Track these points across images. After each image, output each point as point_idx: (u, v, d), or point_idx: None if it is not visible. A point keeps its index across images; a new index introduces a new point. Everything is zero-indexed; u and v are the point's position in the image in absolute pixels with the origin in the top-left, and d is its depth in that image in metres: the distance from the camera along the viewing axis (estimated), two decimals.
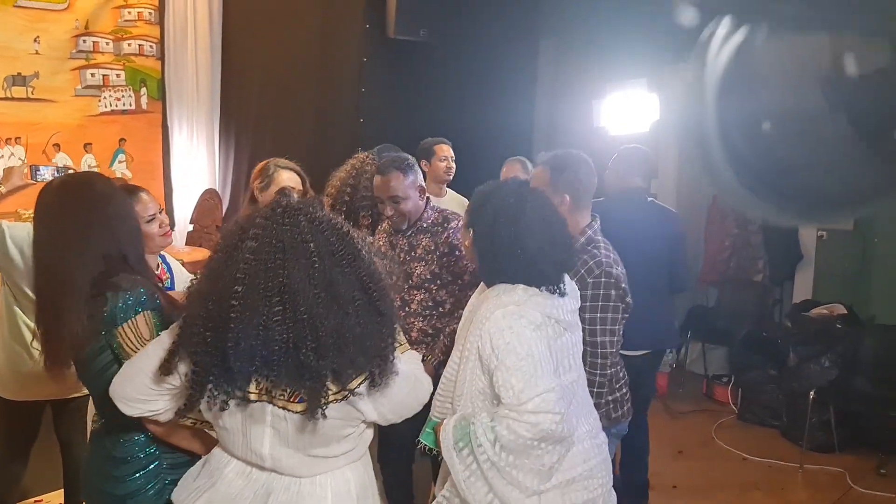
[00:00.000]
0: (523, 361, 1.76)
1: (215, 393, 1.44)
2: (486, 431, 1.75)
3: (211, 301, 1.43)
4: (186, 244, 6.09)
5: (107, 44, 5.98)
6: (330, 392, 1.45)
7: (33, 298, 1.79)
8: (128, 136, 6.15)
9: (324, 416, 1.44)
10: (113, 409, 1.57)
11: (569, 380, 1.93)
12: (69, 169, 5.44)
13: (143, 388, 1.55)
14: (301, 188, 2.76)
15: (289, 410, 1.48)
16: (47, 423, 2.88)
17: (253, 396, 1.47)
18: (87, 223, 1.73)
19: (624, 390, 2.45)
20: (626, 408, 2.45)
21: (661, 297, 3.29)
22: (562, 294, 1.93)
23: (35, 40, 5.61)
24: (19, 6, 5.50)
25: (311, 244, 1.43)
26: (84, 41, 5.88)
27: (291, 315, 1.39)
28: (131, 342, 1.69)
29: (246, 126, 6.12)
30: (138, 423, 1.67)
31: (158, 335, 1.62)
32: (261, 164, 2.87)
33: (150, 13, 6.14)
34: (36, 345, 2.49)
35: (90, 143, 5.96)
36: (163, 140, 6.31)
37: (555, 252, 1.91)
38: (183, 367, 1.49)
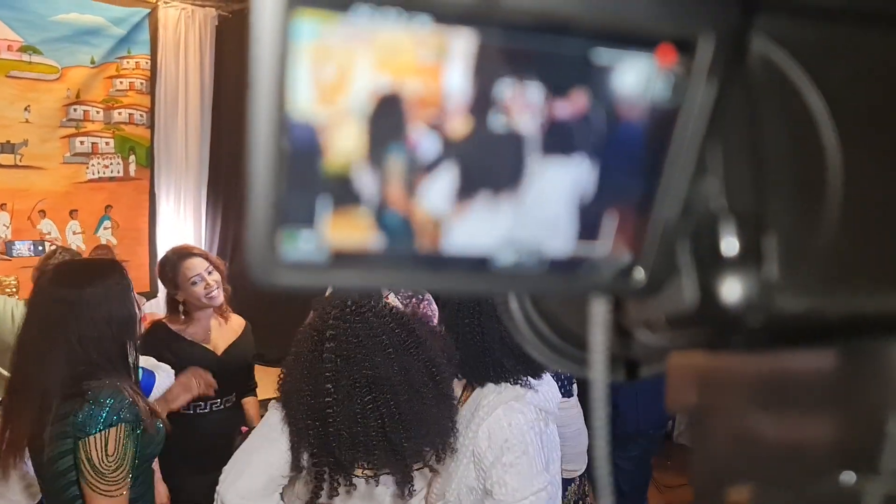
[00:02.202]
0: (519, 459, 1.79)
1: (331, 482, 1.58)
2: None
3: (308, 396, 1.57)
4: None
5: (97, 112, 6.02)
6: (413, 468, 1.63)
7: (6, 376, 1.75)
8: (114, 203, 6.15)
9: (410, 493, 1.62)
10: None
11: (554, 471, 1.95)
12: (49, 237, 5.40)
13: (261, 485, 1.61)
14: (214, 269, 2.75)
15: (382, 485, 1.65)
16: None
17: (357, 480, 1.62)
18: (71, 327, 1.68)
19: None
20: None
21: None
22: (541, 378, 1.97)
23: (26, 109, 5.64)
24: (12, 76, 5.54)
25: (383, 336, 1.58)
26: (75, 110, 5.92)
27: (382, 403, 1.55)
28: (94, 456, 1.62)
29: (234, 193, 6.15)
30: None
31: (130, 450, 1.61)
32: (162, 258, 2.87)
33: (141, 83, 6.22)
34: None
35: (76, 210, 5.95)
36: (150, 207, 6.31)
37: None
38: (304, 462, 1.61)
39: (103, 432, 1.63)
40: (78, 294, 1.69)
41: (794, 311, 0.30)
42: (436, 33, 0.27)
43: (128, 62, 6.11)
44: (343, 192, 0.28)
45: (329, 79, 0.27)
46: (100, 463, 1.59)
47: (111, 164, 6.16)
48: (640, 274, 0.32)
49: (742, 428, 0.36)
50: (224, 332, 2.86)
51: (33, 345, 1.68)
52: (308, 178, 0.28)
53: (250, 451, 1.68)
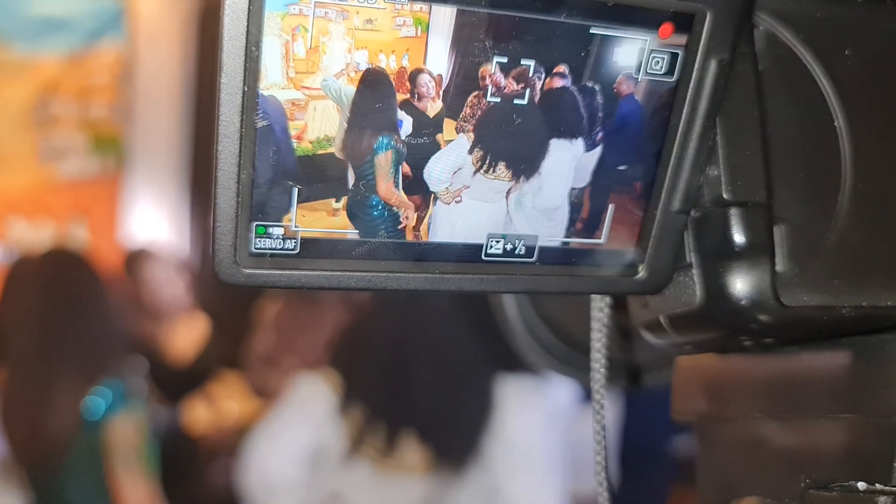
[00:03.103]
0: None
1: None
2: None
3: None
4: None
5: (71, 107, 5.93)
6: None
7: None
8: (89, 203, 6.07)
9: None
10: None
11: None
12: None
13: None
14: None
15: None
16: None
17: None
18: None
19: None
20: None
21: None
22: None
23: None
24: None
25: None
26: (47, 105, 5.83)
27: None
28: None
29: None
30: None
31: None
32: None
33: (117, 77, 6.13)
34: None
35: (49, 210, 5.86)
36: (125, 206, 6.24)
37: None
38: None
39: None
40: None
41: (807, 307, 0.28)
42: (415, 6, 0.24)
43: (104, 55, 6.02)
44: (318, 178, 0.25)
45: (301, 53, 0.24)
46: None
47: (85, 162, 6.07)
48: (642, 271, 0.30)
49: (750, 435, 0.33)
50: None
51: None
52: (280, 162, 0.25)
53: None
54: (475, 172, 0.27)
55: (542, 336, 0.54)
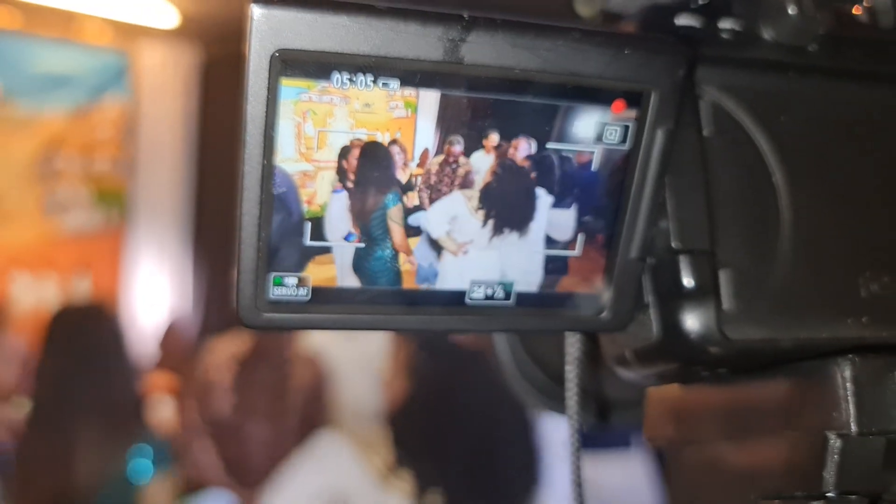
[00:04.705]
0: None
1: None
2: None
3: None
4: None
5: (74, 162, 6.02)
6: None
7: None
8: (92, 258, 6.11)
9: None
10: None
11: None
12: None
13: None
14: None
15: None
16: None
17: None
18: None
19: None
20: None
21: None
22: None
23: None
24: None
25: None
26: (51, 160, 5.91)
27: None
28: None
29: (218, 246, 6.13)
30: None
31: None
32: None
33: (121, 131, 6.23)
34: None
35: (52, 265, 5.91)
36: (128, 261, 6.27)
37: None
38: None
39: None
40: None
41: (750, 340, 0.33)
42: (405, 93, 0.29)
43: (107, 110, 6.12)
44: (323, 236, 0.30)
45: (311, 133, 0.29)
46: None
47: (89, 216, 6.14)
48: (607, 311, 0.34)
49: (711, 456, 0.37)
50: None
51: None
52: (292, 223, 0.30)
53: None
54: (470, 225, 0.32)
55: (532, 375, 0.58)
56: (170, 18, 4.74)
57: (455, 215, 0.31)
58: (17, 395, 1.78)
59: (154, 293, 6.20)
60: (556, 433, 1.84)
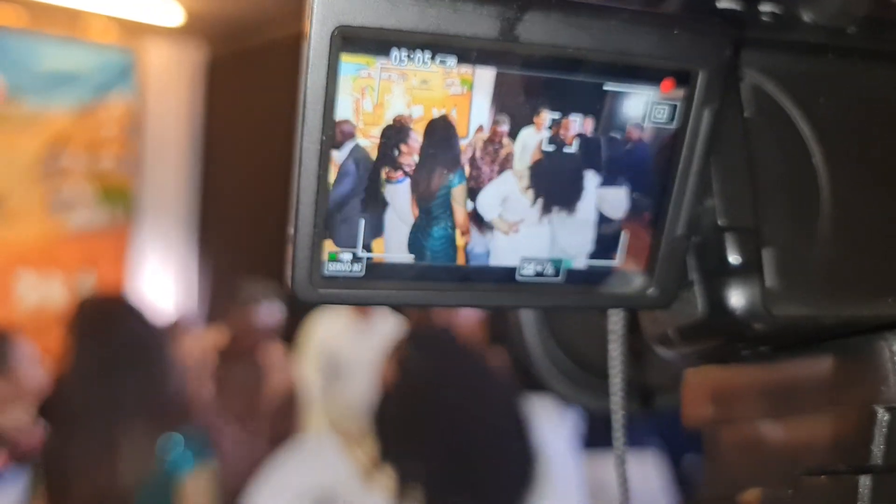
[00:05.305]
0: None
1: None
2: None
3: None
4: None
5: (80, 160, 6.03)
6: None
7: None
8: (97, 256, 6.12)
9: None
10: None
11: None
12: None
13: None
14: None
15: None
16: None
17: None
18: None
19: None
20: None
21: None
22: None
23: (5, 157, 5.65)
24: None
25: None
26: (56, 158, 5.92)
27: None
28: None
29: (223, 245, 6.14)
30: None
31: None
32: None
33: (126, 129, 6.23)
34: None
35: (57, 264, 5.92)
36: (133, 259, 6.28)
37: None
38: None
39: None
40: None
41: (793, 317, 0.33)
42: (462, 70, 0.30)
43: (112, 108, 6.13)
44: (382, 211, 0.31)
45: (369, 108, 0.29)
46: None
47: (94, 214, 6.15)
48: (652, 288, 0.35)
49: (751, 435, 0.38)
50: None
51: None
52: (349, 198, 0.30)
53: None
54: (521, 205, 0.32)
55: (559, 361, 0.58)
56: (175, 16, 4.74)
57: (506, 196, 0.32)
58: (37, 396, 1.78)
59: (159, 290, 6.21)
60: (554, 430, 1.85)
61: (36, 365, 1.81)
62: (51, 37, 5.53)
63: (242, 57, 5.06)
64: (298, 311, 2.67)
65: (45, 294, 5.62)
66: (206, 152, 6.25)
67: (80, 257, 5.93)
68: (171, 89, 6.17)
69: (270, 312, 2.49)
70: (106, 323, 1.65)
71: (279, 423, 2.32)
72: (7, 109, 5.51)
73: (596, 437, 2.10)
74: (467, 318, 2.04)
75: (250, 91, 4.91)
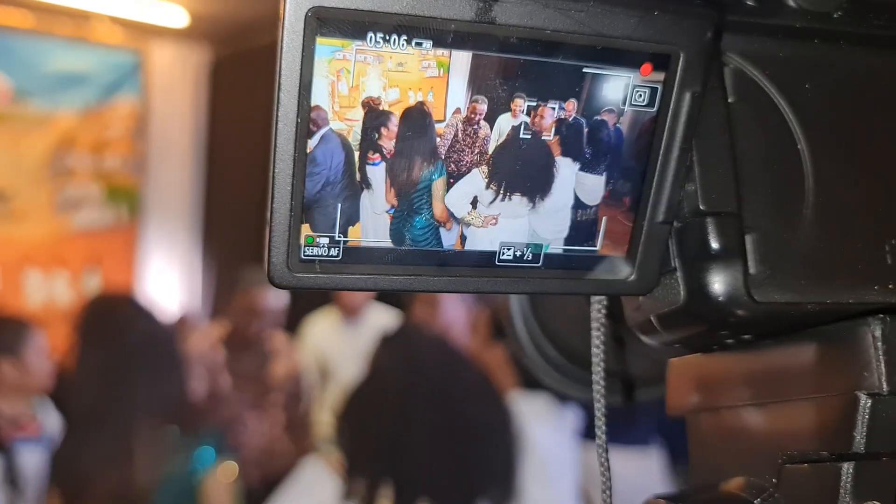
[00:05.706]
0: None
1: None
2: None
3: None
4: None
5: (86, 159, 6.05)
6: None
7: None
8: (103, 255, 6.14)
9: None
10: None
11: None
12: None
13: None
14: None
15: None
16: None
17: None
18: None
19: None
20: None
21: None
22: None
23: (13, 157, 5.67)
24: None
25: None
26: (63, 158, 5.94)
27: None
28: None
29: (228, 244, 6.15)
30: None
31: None
32: None
33: (132, 129, 6.25)
34: None
35: (63, 262, 5.94)
36: (139, 258, 6.30)
37: None
38: None
39: None
40: None
41: (776, 303, 0.33)
42: (438, 52, 0.29)
43: (118, 108, 6.15)
44: (359, 195, 0.31)
45: (345, 91, 0.29)
46: None
47: (100, 213, 6.17)
48: (633, 274, 0.34)
49: (734, 423, 0.38)
50: None
51: None
52: (326, 183, 0.30)
53: None
54: (492, 201, 0.32)
55: (547, 352, 0.58)
56: (180, 18, 4.75)
57: (475, 194, 0.32)
58: (41, 389, 1.77)
59: (164, 289, 6.22)
60: (550, 425, 1.84)
61: (45, 358, 1.81)
62: (57, 39, 5.55)
63: (246, 58, 5.06)
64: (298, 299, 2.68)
65: (52, 292, 5.64)
66: (211, 152, 6.25)
67: (85, 256, 5.95)
68: (176, 90, 6.19)
69: (273, 298, 2.50)
70: (115, 321, 1.65)
71: (291, 410, 2.33)
72: (14, 111, 5.54)
73: (593, 430, 2.08)
74: (458, 317, 2.03)
75: (254, 91, 4.90)
